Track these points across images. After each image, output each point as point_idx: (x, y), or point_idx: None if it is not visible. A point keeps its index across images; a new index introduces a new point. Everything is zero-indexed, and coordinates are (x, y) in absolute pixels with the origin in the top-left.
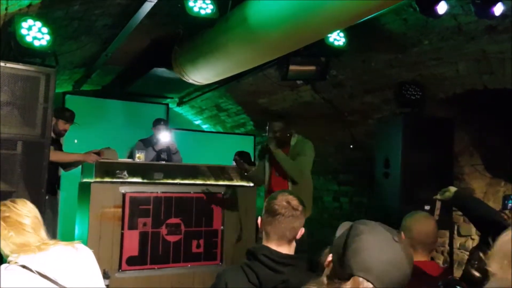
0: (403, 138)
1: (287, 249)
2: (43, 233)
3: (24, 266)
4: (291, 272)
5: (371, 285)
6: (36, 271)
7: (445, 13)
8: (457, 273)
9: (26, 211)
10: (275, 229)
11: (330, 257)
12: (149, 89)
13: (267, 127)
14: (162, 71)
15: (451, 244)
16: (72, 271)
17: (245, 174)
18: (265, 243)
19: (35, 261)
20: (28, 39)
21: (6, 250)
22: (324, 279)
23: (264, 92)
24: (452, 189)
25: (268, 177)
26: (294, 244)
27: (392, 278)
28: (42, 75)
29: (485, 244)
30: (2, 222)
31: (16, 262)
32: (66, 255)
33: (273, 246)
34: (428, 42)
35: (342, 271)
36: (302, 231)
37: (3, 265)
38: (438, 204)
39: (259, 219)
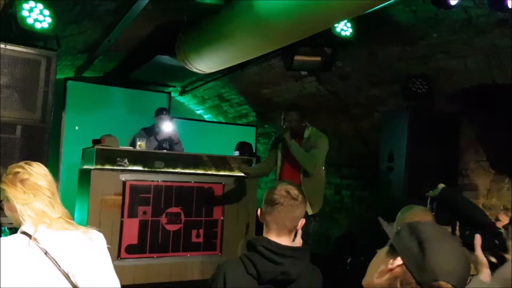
0: (408, 132)
1: (288, 240)
2: (58, 199)
3: (35, 240)
4: (291, 264)
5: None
6: (44, 249)
7: (457, 5)
8: None
9: (44, 173)
10: (274, 219)
11: (398, 262)
12: (152, 77)
13: (282, 116)
14: (165, 58)
15: None
16: (80, 260)
17: (248, 176)
18: (265, 234)
19: (46, 237)
20: (29, 21)
21: (23, 217)
22: (397, 283)
23: (268, 82)
24: (440, 186)
25: (279, 168)
26: (299, 239)
27: (465, 277)
28: (43, 58)
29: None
30: (20, 185)
31: (29, 235)
32: (79, 243)
33: (273, 237)
34: (437, 35)
35: (423, 276)
36: (303, 221)
37: (16, 235)
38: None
39: (259, 210)
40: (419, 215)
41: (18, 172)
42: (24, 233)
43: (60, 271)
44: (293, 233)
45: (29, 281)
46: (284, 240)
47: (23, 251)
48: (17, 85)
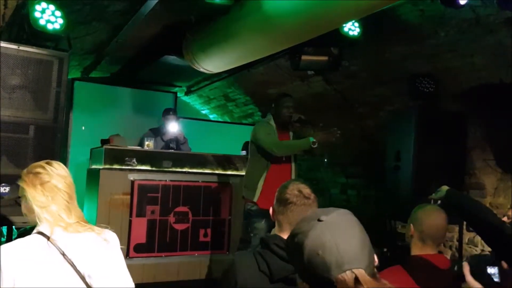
0: (415, 131)
1: None
2: (75, 202)
3: (53, 241)
4: None
5: (350, 270)
6: (61, 250)
7: (466, 4)
8: None
9: (64, 175)
10: (287, 218)
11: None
12: (158, 77)
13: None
14: (172, 58)
15: (460, 239)
16: (96, 261)
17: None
18: (277, 232)
19: (63, 239)
20: (42, 22)
21: (40, 218)
22: None
23: (274, 82)
24: (444, 188)
25: (266, 165)
26: None
27: (355, 248)
28: (55, 59)
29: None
30: (40, 187)
31: (47, 236)
32: (94, 244)
33: (286, 235)
34: (445, 34)
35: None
36: None
37: (34, 235)
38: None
39: (271, 209)
40: (433, 214)
41: (39, 173)
42: (40, 233)
43: (77, 272)
44: None
45: (47, 281)
46: None
47: (43, 251)
48: (30, 86)
